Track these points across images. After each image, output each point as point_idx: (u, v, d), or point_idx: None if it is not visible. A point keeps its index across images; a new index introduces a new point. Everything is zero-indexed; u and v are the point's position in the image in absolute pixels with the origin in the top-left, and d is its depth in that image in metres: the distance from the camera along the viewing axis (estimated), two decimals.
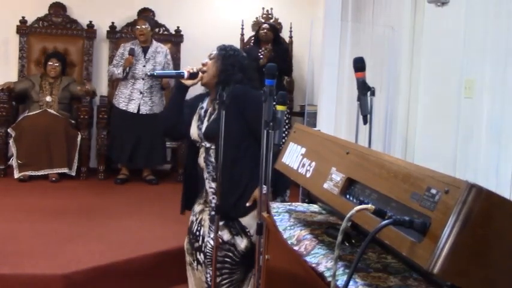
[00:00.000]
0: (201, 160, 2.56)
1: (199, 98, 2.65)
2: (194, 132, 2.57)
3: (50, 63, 5.10)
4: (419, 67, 3.34)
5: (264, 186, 2.36)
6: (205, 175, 2.53)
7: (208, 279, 2.50)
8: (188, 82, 2.52)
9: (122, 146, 5.00)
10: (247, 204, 2.43)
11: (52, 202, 4.16)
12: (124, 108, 4.98)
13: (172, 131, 2.67)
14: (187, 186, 2.67)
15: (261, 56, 5.14)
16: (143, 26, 5.03)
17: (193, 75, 2.51)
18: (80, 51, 5.52)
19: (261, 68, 4.85)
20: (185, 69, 2.54)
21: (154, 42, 5.11)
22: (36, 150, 4.79)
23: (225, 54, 2.53)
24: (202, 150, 2.55)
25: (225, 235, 2.47)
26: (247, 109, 2.43)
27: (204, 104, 2.60)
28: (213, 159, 2.49)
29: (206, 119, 2.54)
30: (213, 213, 2.50)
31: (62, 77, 5.18)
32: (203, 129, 2.53)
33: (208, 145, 2.51)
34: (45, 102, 5.03)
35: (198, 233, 2.58)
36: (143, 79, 4.95)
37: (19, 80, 5.22)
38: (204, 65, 2.53)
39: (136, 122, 4.95)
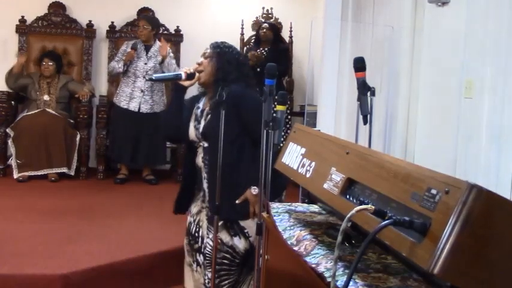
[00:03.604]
0: (199, 160, 2.54)
1: (195, 99, 2.63)
2: (192, 132, 2.56)
3: (43, 62, 5.10)
4: (419, 67, 3.34)
5: (255, 187, 2.37)
6: (204, 175, 2.52)
7: (206, 281, 2.49)
8: (186, 83, 2.51)
9: (122, 145, 4.99)
10: (237, 202, 2.42)
11: (51, 202, 4.15)
12: (125, 107, 4.98)
13: (173, 134, 2.66)
14: (184, 186, 2.65)
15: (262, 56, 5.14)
16: (144, 27, 5.03)
17: (190, 76, 2.50)
18: (79, 51, 5.51)
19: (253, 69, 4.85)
20: (182, 70, 2.53)
21: (157, 41, 5.10)
22: (35, 150, 4.79)
23: (220, 51, 2.50)
24: (200, 150, 2.54)
25: (224, 236, 2.46)
26: (245, 111, 2.42)
27: (201, 104, 2.59)
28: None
29: (203, 118, 2.53)
30: (210, 214, 2.49)
31: (58, 76, 5.17)
32: (200, 128, 2.51)
33: (206, 145, 2.50)
34: (43, 100, 5.02)
35: (196, 234, 2.57)
36: (144, 77, 4.95)
37: (23, 75, 5.22)
38: (199, 64, 2.52)
39: (137, 121, 4.95)
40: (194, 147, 2.58)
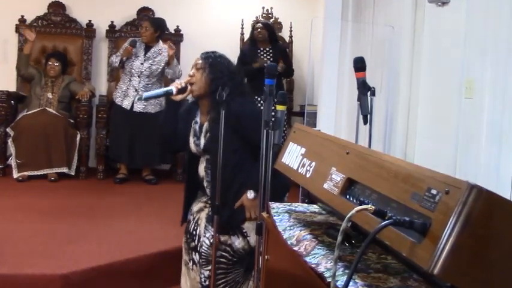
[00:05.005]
0: (201, 169, 2.55)
1: (191, 111, 2.62)
2: (192, 147, 2.57)
3: (49, 62, 5.10)
4: (419, 67, 3.34)
5: (251, 191, 2.38)
6: (205, 183, 2.53)
7: (202, 280, 2.49)
8: (178, 97, 2.48)
9: (119, 144, 4.99)
10: (235, 207, 2.44)
11: (51, 202, 4.15)
12: (119, 104, 4.99)
13: (169, 147, 2.68)
14: (188, 197, 2.65)
15: (263, 58, 5.14)
16: (147, 28, 5.03)
17: (182, 90, 2.47)
18: (79, 51, 5.51)
19: (256, 71, 4.83)
20: (173, 85, 2.50)
21: (160, 42, 5.08)
22: (35, 149, 4.78)
23: (212, 61, 2.47)
24: (202, 160, 2.55)
25: (222, 235, 2.47)
26: (245, 124, 2.41)
27: (198, 119, 2.58)
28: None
29: (202, 135, 2.53)
30: (210, 213, 2.50)
31: (63, 76, 5.18)
32: (201, 145, 2.52)
33: (208, 157, 2.51)
34: (46, 97, 5.02)
35: (194, 232, 2.57)
36: (139, 76, 4.95)
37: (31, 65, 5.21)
38: (191, 76, 2.49)
39: (130, 119, 4.95)
40: (196, 157, 2.59)
